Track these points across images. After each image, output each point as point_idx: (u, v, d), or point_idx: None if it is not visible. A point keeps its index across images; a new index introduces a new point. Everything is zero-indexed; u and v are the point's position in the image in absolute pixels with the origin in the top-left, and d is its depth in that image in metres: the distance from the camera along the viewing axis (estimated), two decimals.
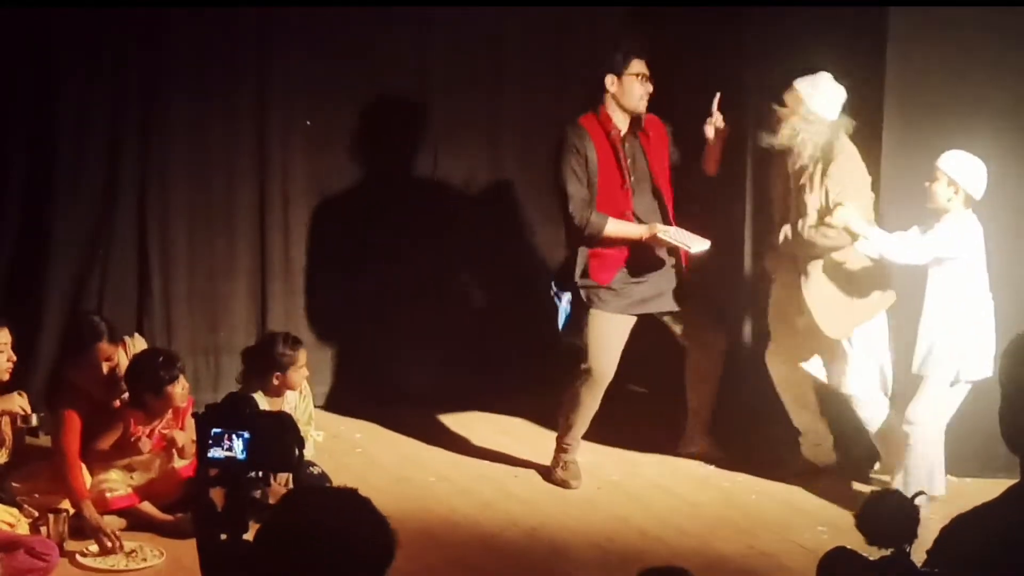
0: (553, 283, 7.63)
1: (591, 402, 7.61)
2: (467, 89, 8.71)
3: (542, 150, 7.93)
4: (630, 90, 7.37)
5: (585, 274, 7.47)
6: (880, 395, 7.28)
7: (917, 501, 4.64)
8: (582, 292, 7.47)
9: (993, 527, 3.72)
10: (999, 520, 3.73)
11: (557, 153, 7.43)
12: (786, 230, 7.16)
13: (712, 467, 7.80)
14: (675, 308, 7.61)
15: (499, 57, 8.77)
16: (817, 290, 7.16)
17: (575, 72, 8.43)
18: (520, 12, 8.68)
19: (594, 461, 7.92)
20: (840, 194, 7.00)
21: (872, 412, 7.26)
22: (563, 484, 7.66)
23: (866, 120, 7.28)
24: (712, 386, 7.86)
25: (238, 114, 8.32)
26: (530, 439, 7.84)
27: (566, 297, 7.52)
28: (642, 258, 7.48)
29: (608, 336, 7.51)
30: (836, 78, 7.16)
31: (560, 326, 7.57)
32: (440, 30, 8.58)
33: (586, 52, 8.51)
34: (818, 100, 7.04)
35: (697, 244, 7.34)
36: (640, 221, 7.45)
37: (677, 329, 7.72)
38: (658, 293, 7.56)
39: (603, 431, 8.21)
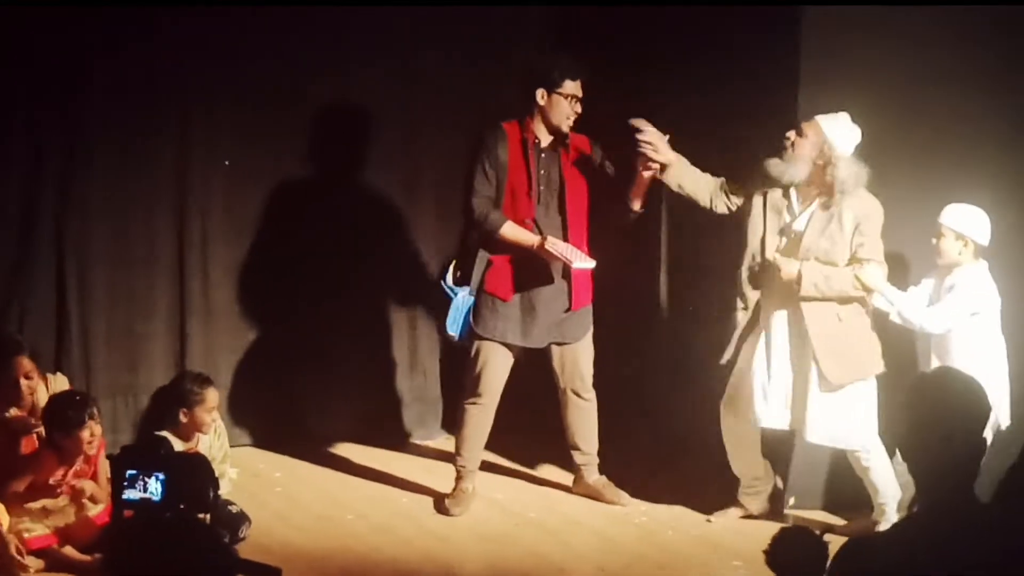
0: (445, 278, 7.64)
1: (480, 422, 7.72)
2: (388, 124, 8.72)
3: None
4: (558, 108, 7.43)
5: (482, 282, 7.54)
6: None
7: (825, 538, 4.75)
8: (471, 317, 7.54)
9: (890, 551, 3.83)
10: (896, 544, 3.85)
11: (471, 151, 7.54)
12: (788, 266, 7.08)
13: (623, 506, 7.85)
14: (560, 340, 7.67)
15: (417, 87, 8.77)
16: (821, 333, 7.11)
17: (493, 95, 8.51)
18: (435, 45, 8.71)
19: (512, 498, 7.97)
20: (867, 250, 7.04)
21: (884, 460, 7.19)
22: (445, 511, 7.74)
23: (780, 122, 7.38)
24: (590, 425, 7.87)
25: (158, 153, 8.29)
26: (451, 476, 7.86)
27: (463, 292, 7.57)
28: (534, 272, 7.50)
29: (493, 363, 7.62)
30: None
31: (456, 330, 7.60)
32: (359, 73, 8.58)
33: (504, 70, 8.60)
34: (839, 136, 6.99)
35: (580, 261, 7.40)
36: (540, 233, 7.50)
37: (555, 365, 7.75)
38: (547, 326, 7.60)
39: (521, 467, 8.29)
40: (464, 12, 8.68)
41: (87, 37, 7.99)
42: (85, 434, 6.87)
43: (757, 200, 7.24)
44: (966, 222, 7.03)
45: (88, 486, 6.91)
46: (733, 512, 7.65)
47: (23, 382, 6.97)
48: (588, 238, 7.61)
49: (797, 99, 7.43)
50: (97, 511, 6.95)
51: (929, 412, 3.92)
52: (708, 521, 7.63)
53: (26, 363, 6.96)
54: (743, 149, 7.67)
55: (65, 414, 6.88)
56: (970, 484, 3.91)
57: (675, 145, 7.32)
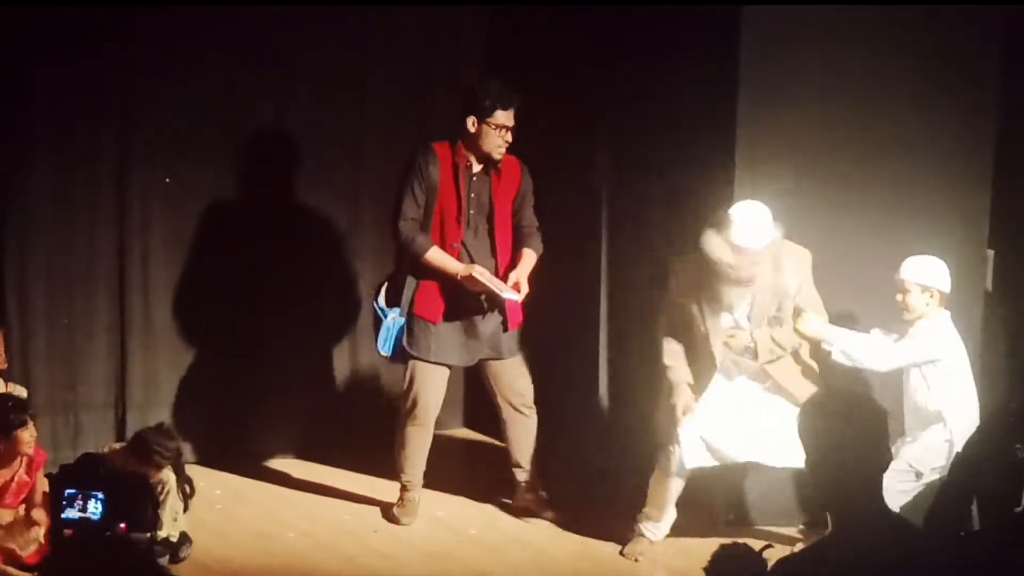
0: (377, 299, 7.68)
1: (419, 441, 7.78)
2: (329, 143, 8.72)
3: None
4: (487, 137, 7.44)
5: (412, 305, 7.56)
6: None
7: (764, 555, 4.78)
8: (404, 339, 7.57)
9: (818, 569, 3.90)
10: (823, 562, 3.91)
11: (403, 171, 7.55)
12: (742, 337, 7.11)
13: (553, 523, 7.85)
14: (495, 356, 7.71)
15: (362, 106, 8.79)
16: (779, 371, 7.15)
17: (437, 123, 8.52)
18: (378, 64, 8.74)
19: (453, 515, 7.99)
20: (803, 300, 7.07)
21: None
22: (394, 520, 7.81)
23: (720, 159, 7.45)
24: (530, 442, 7.88)
25: (98, 171, 8.27)
26: (392, 494, 7.87)
27: (393, 313, 7.59)
28: (462, 295, 7.52)
29: (428, 383, 7.66)
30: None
31: (388, 350, 7.64)
32: (302, 84, 8.60)
33: (447, 90, 8.64)
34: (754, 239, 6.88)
35: (508, 292, 7.45)
36: (470, 256, 7.53)
37: (491, 382, 7.80)
38: (479, 343, 7.65)
39: (461, 484, 8.29)
40: (408, 31, 8.73)
41: (26, 53, 7.95)
42: (24, 435, 6.77)
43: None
44: (928, 273, 7.00)
45: (39, 516, 6.83)
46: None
47: None
48: (511, 260, 7.65)
49: (736, 102, 7.46)
50: (39, 535, 6.86)
51: (821, 436, 4.02)
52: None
53: None
54: (681, 150, 7.73)
55: (5, 415, 6.76)
56: (878, 496, 4.00)
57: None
